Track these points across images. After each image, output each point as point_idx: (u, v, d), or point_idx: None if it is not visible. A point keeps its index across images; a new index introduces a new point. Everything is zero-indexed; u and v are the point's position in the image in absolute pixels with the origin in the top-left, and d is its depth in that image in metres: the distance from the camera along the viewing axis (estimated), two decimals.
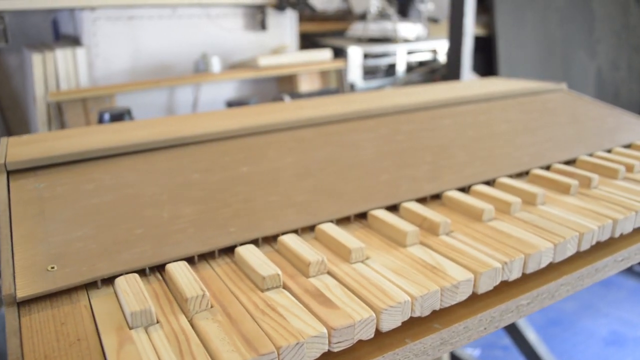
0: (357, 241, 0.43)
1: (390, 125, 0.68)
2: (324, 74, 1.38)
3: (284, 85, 1.39)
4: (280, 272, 0.40)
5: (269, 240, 0.47)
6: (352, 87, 1.46)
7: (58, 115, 1.09)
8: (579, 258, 0.50)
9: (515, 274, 0.43)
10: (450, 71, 1.34)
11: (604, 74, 1.78)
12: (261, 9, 1.33)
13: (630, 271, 1.93)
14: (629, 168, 0.63)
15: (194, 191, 0.52)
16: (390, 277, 0.40)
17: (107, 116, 0.93)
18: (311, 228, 0.49)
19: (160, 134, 0.61)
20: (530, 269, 0.44)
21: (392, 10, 1.46)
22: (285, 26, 1.39)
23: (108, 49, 1.20)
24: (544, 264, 0.45)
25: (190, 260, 0.44)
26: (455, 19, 1.28)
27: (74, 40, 1.23)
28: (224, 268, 0.43)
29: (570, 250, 0.47)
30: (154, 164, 0.56)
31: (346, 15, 1.59)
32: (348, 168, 0.57)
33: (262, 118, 0.68)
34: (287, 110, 0.74)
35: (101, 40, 1.18)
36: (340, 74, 1.38)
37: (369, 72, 1.51)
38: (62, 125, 1.09)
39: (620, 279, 1.91)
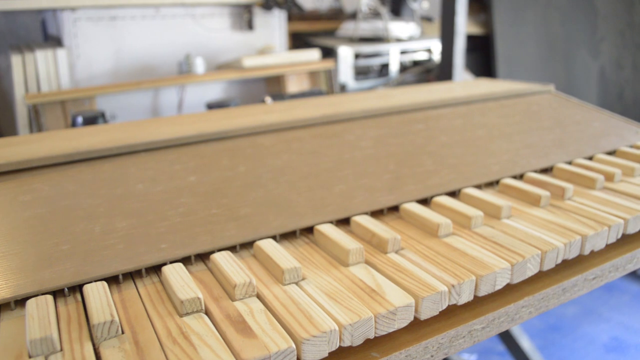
0: (292, 261, 0.40)
1: (357, 131, 0.65)
2: (313, 75, 1.35)
3: (271, 86, 1.36)
4: (200, 296, 0.36)
5: (205, 257, 0.44)
6: (343, 88, 1.42)
7: (35, 119, 1.07)
8: (545, 277, 0.46)
9: (465, 298, 0.40)
10: (442, 71, 1.30)
11: (607, 73, 1.72)
12: (248, 8, 1.30)
13: (634, 275, 1.87)
14: (609, 177, 0.59)
15: (133, 203, 0.49)
16: (321, 302, 0.37)
17: (79, 119, 0.91)
18: (253, 243, 0.46)
19: (110, 141, 0.58)
20: (483, 292, 0.40)
21: (383, 9, 1.42)
22: (273, 26, 1.36)
23: (89, 50, 1.17)
24: (499, 286, 0.41)
25: (115, 279, 0.42)
26: (446, 18, 1.24)
27: (58, 41, 1.21)
28: (149, 288, 0.40)
29: (532, 270, 0.43)
30: (98, 173, 0.54)
31: (338, 15, 1.55)
32: (302, 178, 0.54)
33: (224, 123, 0.65)
34: (255, 114, 0.71)
35: (82, 41, 1.16)
36: (330, 74, 1.34)
37: (361, 73, 1.47)
38: (40, 128, 1.07)
39: (624, 283, 1.85)
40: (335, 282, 0.39)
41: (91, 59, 1.18)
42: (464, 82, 0.96)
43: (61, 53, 1.14)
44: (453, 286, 0.38)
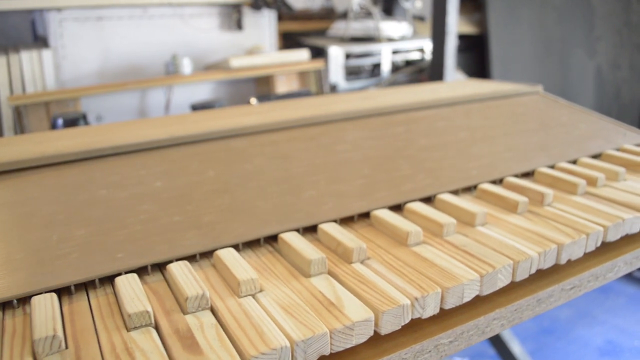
0: (249, 271, 0.38)
1: (334, 134, 0.63)
2: (302, 75, 1.33)
3: (261, 87, 1.34)
4: (149, 309, 0.35)
5: (163, 267, 0.43)
6: (334, 89, 1.41)
7: (18, 120, 1.06)
8: (519, 287, 0.45)
9: (430, 311, 0.38)
10: (433, 71, 1.28)
11: (604, 73, 1.70)
12: (237, 8, 1.28)
13: (630, 277, 1.85)
14: (592, 182, 0.57)
15: (94, 210, 0.47)
16: (276, 316, 0.35)
17: (60, 121, 0.90)
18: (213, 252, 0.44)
19: (79, 145, 0.57)
20: (450, 305, 0.39)
21: (375, 9, 1.40)
22: (263, 26, 1.34)
23: (76, 51, 1.16)
24: (468, 298, 0.40)
25: (67, 290, 0.40)
26: (438, 18, 1.22)
27: (45, 42, 1.20)
28: (101, 300, 0.39)
29: (503, 282, 0.42)
30: (63, 178, 0.52)
31: (330, 14, 1.54)
32: (272, 183, 0.52)
33: (198, 126, 0.63)
34: (233, 117, 0.69)
35: (68, 42, 1.15)
36: (320, 74, 1.33)
37: (353, 73, 1.45)
38: (22, 130, 1.06)
39: (620, 285, 1.82)
40: (294, 294, 0.38)
41: (77, 60, 1.17)
42: (451, 83, 0.94)
43: (47, 54, 1.13)
44: (416, 299, 0.37)
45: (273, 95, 1.11)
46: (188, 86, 1.25)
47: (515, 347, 1.27)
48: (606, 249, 0.51)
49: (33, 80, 1.13)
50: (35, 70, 1.13)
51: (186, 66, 1.19)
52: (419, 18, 1.60)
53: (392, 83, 1.46)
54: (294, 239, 0.43)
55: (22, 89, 1.12)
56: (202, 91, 1.28)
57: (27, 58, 1.12)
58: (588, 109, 0.77)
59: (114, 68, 1.21)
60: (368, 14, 1.40)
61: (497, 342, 1.30)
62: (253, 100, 1.04)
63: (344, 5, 1.41)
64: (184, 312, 0.36)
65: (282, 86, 1.30)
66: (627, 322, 1.64)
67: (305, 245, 0.42)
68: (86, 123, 0.94)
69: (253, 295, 0.38)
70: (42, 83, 1.14)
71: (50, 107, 1.09)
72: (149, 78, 1.19)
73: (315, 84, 1.32)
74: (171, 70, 1.19)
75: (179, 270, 0.39)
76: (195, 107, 1.02)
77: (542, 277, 0.46)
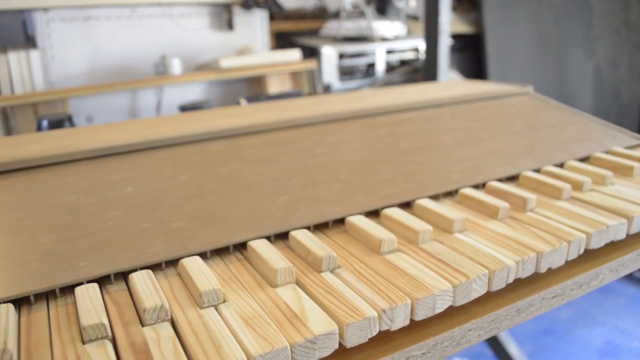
0: (212, 282, 0.37)
1: (314, 136, 0.62)
2: (295, 75, 1.32)
3: (253, 87, 1.33)
4: (105, 321, 0.34)
5: (127, 276, 0.41)
6: (327, 89, 1.39)
7: (5, 122, 1.05)
8: (498, 296, 0.43)
9: (399, 323, 0.36)
10: (427, 72, 1.26)
11: (602, 73, 1.68)
12: (227, 7, 1.27)
13: (631, 277, 1.83)
14: (578, 186, 0.55)
15: (62, 216, 0.46)
16: (236, 329, 0.34)
17: (45, 123, 0.89)
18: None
19: (52, 149, 0.56)
20: (420, 316, 0.37)
21: (367, 8, 1.38)
22: (254, 26, 1.33)
23: (64, 51, 1.15)
24: (440, 309, 0.38)
25: (27, 300, 0.39)
26: (430, 17, 1.21)
27: (34, 42, 1.19)
28: (60, 311, 0.37)
29: (478, 292, 0.40)
30: (33, 183, 0.51)
31: (324, 14, 1.52)
32: (247, 188, 0.51)
33: (176, 129, 0.62)
34: (215, 119, 0.68)
35: (56, 42, 1.14)
36: (312, 75, 1.31)
37: (347, 73, 1.44)
38: (9, 131, 1.05)
39: (620, 285, 1.80)
40: (258, 305, 0.36)
41: (66, 60, 1.16)
42: (441, 84, 0.93)
43: (34, 54, 1.12)
44: (384, 311, 0.35)
45: (263, 96, 1.10)
46: (179, 87, 1.24)
47: (513, 348, 1.26)
48: (590, 256, 0.49)
49: (21, 81, 1.12)
50: (24, 71, 1.12)
51: (176, 66, 1.17)
52: (413, 17, 1.58)
53: (387, 83, 1.45)
54: (262, 247, 0.42)
55: (10, 90, 1.11)
56: (194, 92, 1.27)
57: (15, 59, 1.11)
58: (578, 110, 0.75)
59: (103, 69, 1.20)
60: (361, 14, 1.39)
61: (494, 343, 1.28)
62: (242, 101, 1.03)
63: (336, 4, 1.40)
64: (143, 324, 0.35)
65: (274, 87, 1.28)
66: (627, 323, 1.63)
67: (274, 254, 0.40)
68: (72, 124, 0.93)
69: (215, 306, 0.36)
70: (31, 84, 1.13)
71: (38, 109, 1.08)
72: (139, 79, 1.18)
73: (308, 85, 1.31)
74: (160, 70, 1.18)
75: (141, 280, 0.38)
76: (184, 108, 1.01)
77: (521, 285, 0.45)
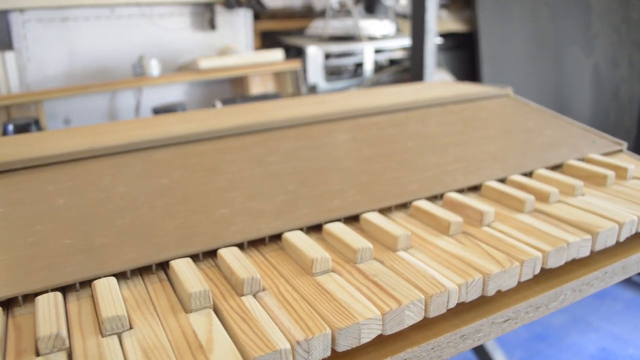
0: (118, 307, 0.34)
1: (269, 143, 0.59)
2: (278, 76, 1.29)
3: (236, 88, 1.30)
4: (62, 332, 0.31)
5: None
6: (313, 89, 1.36)
7: None
8: (441, 321, 0.40)
9: (318, 355, 0.33)
10: (414, 71, 1.23)
11: (602, 71, 1.63)
12: (209, 7, 1.24)
13: (629, 281, 1.77)
14: (544, 197, 0.52)
15: None
16: None
17: (10, 127, 0.87)
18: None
19: None
20: (343, 347, 0.34)
21: (354, 7, 1.35)
22: (238, 25, 1.30)
23: (41, 53, 1.13)
24: (367, 339, 0.35)
25: None
26: (417, 15, 1.17)
27: (9, 44, 1.17)
28: None
29: (413, 319, 0.37)
30: None
31: (311, 13, 1.49)
32: (184, 200, 0.48)
33: (122, 136, 0.59)
34: (173, 124, 0.65)
35: (32, 44, 1.12)
36: (296, 75, 1.28)
37: (334, 73, 1.40)
38: None
39: (617, 290, 1.75)
40: (164, 333, 0.33)
41: (43, 62, 1.14)
42: (420, 85, 0.89)
43: (9, 56, 1.10)
44: (298, 342, 0.32)
45: (239, 97, 1.07)
46: (159, 88, 1.21)
47: (499, 357, 1.22)
48: (550, 275, 0.45)
49: None
50: None
51: (154, 67, 1.15)
52: (402, 16, 1.54)
53: (376, 83, 1.41)
54: (182, 268, 0.39)
55: None
56: (174, 93, 1.24)
57: None
58: (575, 112, 0.71)
59: (81, 70, 1.18)
60: (348, 13, 1.35)
61: (480, 352, 1.24)
62: (218, 103, 1.00)
63: (322, 3, 1.36)
64: (38, 354, 0.32)
65: (257, 87, 1.25)
66: (623, 329, 1.57)
67: (193, 275, 0.37)
68: (39, 128, 0.90)
69: (119, 334, 0.33)
70: (6, 86, 1.11)
71: (11, 112, 1.06)
72: (116, 80, 1.15)
73: (292, 85, 1.28)
74: (138, 72, 1.16)
75: (44, 304, 0.35)
76: (157, 111, 0.98)
77: (469, 309, 0.41)
